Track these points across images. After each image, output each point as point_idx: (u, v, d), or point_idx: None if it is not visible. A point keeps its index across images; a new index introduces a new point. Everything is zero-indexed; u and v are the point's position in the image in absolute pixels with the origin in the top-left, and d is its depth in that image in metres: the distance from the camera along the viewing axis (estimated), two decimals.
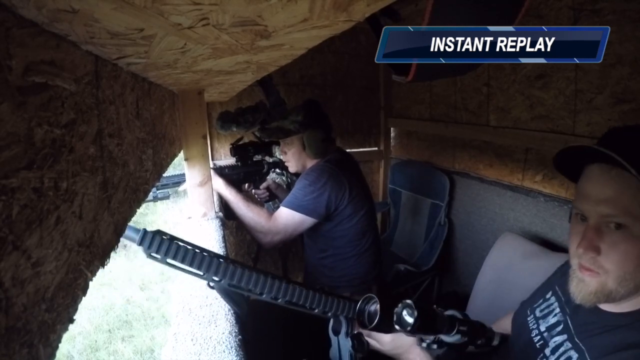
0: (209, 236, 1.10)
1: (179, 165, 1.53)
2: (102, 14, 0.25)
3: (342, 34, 0.38)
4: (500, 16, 0.68)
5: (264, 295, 0.53)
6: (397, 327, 0.60)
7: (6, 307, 0.20)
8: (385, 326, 0.60)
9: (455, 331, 0.65)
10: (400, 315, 0.60)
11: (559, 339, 0.67)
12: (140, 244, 0.44)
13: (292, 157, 1.44)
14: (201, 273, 0.49)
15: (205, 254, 0.49)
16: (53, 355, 0.26)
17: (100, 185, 0.37)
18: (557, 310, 0.71)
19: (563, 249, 1.19)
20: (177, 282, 0.90)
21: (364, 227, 1.41)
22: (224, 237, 1.13)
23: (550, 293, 0.76)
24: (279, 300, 0.55)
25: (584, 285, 0.59)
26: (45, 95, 0.26)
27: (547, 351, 0.67)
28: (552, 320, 0.71)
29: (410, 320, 0.59)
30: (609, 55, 1.12)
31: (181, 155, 1.18)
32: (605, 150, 0.53)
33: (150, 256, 0.46)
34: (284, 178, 1.79)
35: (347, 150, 1.59)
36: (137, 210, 0.54)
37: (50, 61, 0.27)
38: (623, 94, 1.12)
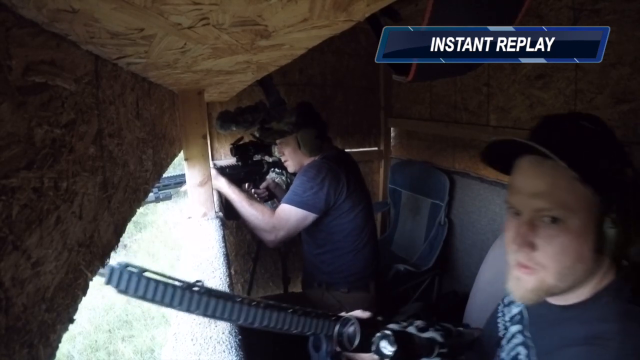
0: (209, 236, 1.10)
1: (179, 165, 1.53)
2: (102, 14, 0.25)
3: (342, 34, 0.38)
4: (501, 16, 0.68)
5: (240, 322, 0.52)
6: (375, 356, 0.59)
7: (6, 307, 0.20)
8: (365, 348, 0.60)
9: (434, 354, 0.65)
10: (378, 346, 0.59)
11: (514, 328, 0.66)
12: (108, 282, 0.42)
13: (289, 156, 1.47)
14: (173, 308, 0.47)
15: (178, 284, 0.47)
16: (53, 355, 0.26)
17: (100, 185, 0.37)
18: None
19: None
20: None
21: (362, 222, 1.43)
22: (223, 237, 1.13)
23: None
24: (255, 325, 0.54)
25: (521, 283, 0.56)
26: (45, 95, 0.26)
27: (504, 341, 0.67)
28: (514, 309, 0.70)
29: (389, 352, 0.57)
30: (609, 55, 1.12)
31: (181, 155, 1.18)
32: (533, 144, 0.51)
33: (121, 292, 0.44)
34: (283, 178, 1.80)
35: (347, 150, 1.61)
36: (137, 210, 0.54)
37: (50, 61, 0.26)
38: (623, 94, 1.12)
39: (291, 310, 0.57)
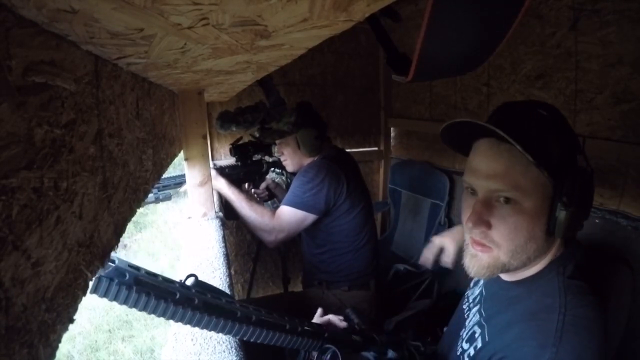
0: (209, 236, 1.10)
1: (179, 165, 1.53)
2: (102, 14, 0.25)
3: (342, 34, 0.38)
4: (500, 16, 0.68)
5: (224, 333, 0.52)
6: None
7: (6, 307, 0.20)
8: None
9: None
10: None
11: (475, 309, 0.70)
12: (94, 292, 0.39)
13: (288, 156, 1.47)
14: (156, 316, 0.46)
15: (164, 294, 0.45)
16: (53, 355, 0.26)
17: (100, 185, 0.37)
18: (481, 281, 0.74)
19: None
20: None
21: (362, 222, 1.43)
22: (223, 237, 1.13)
23: None
24: (237, 337, 0.54)
25: (476, 259, 0.59)
26: (45, 95, 0.26)
27: (467, 321, 0.70)
28: (477, 291, 0.74)
29: None
30: (609, 55, 1.12)
31: (181, 155, 1.18)
32: (490, 126, 0.53)
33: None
34: (283, 177, 1.79)
35: (347, 150, 1.60)
36: (137, 210, 0.54)
37: (50, 61, 0.27)
38: (623, 94, 1.12)
39: (280, 328, 0.57)
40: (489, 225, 0.57)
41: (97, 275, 0.39)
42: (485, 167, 0.58)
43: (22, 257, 0.22)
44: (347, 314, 0.79)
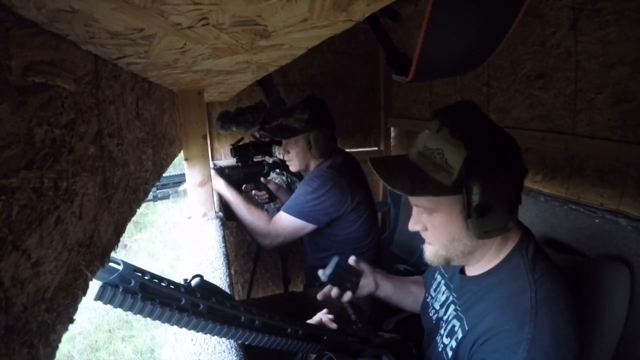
0: (209, 236, 1.10)
1: (179, 165, 1.53)
2: (101, 14, 0.25)
3: (342, 34, 0.38)
4: (500, 16, 0.68)
5: (227, 338, 0.53)
6: None
7: (6, 307, 0.20)
8: None
9: None
10: None
11: (449, 312, 0.76)
12: (99, 299, 0.39)
13: (295, 156, 1.40)
14: (160, 322, 0.45)
15: (169, 300, 0.44)
16: (53, 355, 0.26)
17: (100, 185, 0.37)
18: (444, 288, 0.82)
19: (563, 249, 1.19)
20: None
21: (366, 230, 1.41)
22: (223, 237, 1.13)
23: (437, 273, 0.88)
24: (240, 342, 0.55)
25: (426, 251, 0.73)
26: (45, 95, 0.26)
27: (442, 323, 0.76)
28: (442, 297, 0.81)
29: None
30: (609, 55, 1.12)
31: (181, 155, 1.18)
32: (388, 185, 0.66)
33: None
34: (283, 178, 1.79)
35: (347, 150, 1.59)
36: (137, 210, 0.54)
37: (50, 61, 0.27)
38: (623, 94, 1.11)
39: (281, 333, 0.57)
40: (424, 227, 0.70)
41: (102, 283, 0.39)
42: None
43: (22, 257, 0.22)
44: (347, 310, 0.79)
